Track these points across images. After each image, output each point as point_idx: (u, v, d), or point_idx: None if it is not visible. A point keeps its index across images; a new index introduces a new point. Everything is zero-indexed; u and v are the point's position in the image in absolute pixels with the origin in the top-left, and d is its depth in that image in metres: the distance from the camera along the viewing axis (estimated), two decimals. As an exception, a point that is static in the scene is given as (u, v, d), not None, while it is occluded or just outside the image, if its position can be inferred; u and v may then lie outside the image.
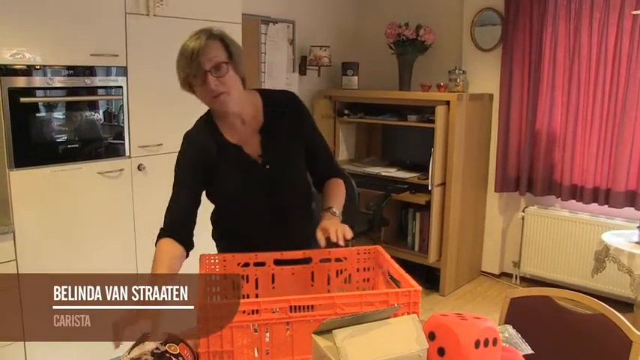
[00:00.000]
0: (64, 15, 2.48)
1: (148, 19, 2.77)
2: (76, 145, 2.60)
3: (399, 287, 1.64)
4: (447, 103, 3.87)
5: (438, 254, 4.08)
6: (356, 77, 4.59)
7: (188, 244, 1.71)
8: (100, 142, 2.70)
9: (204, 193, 1.82)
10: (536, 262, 4.16)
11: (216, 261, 1.75)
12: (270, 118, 1.79)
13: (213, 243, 1.90)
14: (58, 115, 2.53)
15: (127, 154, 2.81)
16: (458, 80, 4.16)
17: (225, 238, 1.92)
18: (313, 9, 4.57)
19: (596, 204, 3.85)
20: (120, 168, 2.76)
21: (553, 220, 4.04)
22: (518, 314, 1.98)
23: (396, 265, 1.69)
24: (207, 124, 1.79)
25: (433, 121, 3.93)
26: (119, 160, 2.77)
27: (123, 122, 2.75)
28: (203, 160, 1.74)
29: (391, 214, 4.37)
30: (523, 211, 4.18)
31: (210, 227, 1.90)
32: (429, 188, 3.92)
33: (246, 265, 1.76)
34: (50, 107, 2.50)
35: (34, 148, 2.47)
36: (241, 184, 1.77)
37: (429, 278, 4.25)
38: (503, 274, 4.46)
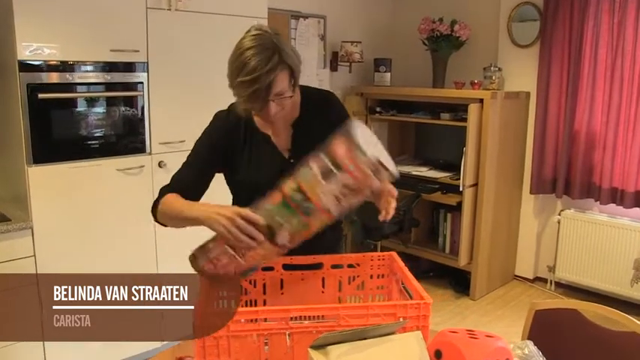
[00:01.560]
0: (84, 10, 2.47)
1: (169, 14, 2.74)
2: (95, 142, 2.59)
3: (411, 298, 1.56)
4: (481, 101, 3.74)
5: (469, 257, 3.95)
6: (388, 74, 4.48)
7: None
8: (119, 139, 2.68)
9: (223, 182, 1.79)
10: (572, 268, 3.98)
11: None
12: (307, 114, 1.75)
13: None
14: (77, 111, 2.52)
15: (148, 150, 2.78)
16: (493, 77, 4.01)
17: None
18: (345, 3, 4.48)
19: (637, 208, 3.65)
20: (140, 165, 2.74)
21: (591, 224, 3.86)
22: (543, 328, 1.87)
23: (409, 275, 1.61)
24: (239, 108, 1.74)
25: (466, 120, 3.80)
26: (139, 157, 2.75)
27: (143, 118, 2.73)
28: (226, 142, 1.71)
29: (422, 214, 4.26)
30: (559, 215, 4.01)
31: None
32: (460, 189, 3.80)
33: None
34: (69, 103, 2.49)
35: (53, 145, 2.46)
36: (264, 174, 1.70)
37: (460, 281, 4.13)
38: (538, 279, 4.30)
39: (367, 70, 4.60)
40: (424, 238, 4.38)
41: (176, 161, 2.84)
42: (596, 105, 3.75)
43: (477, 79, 4.02)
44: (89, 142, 2.57)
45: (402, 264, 1.66)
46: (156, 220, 1.68)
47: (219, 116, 1.75)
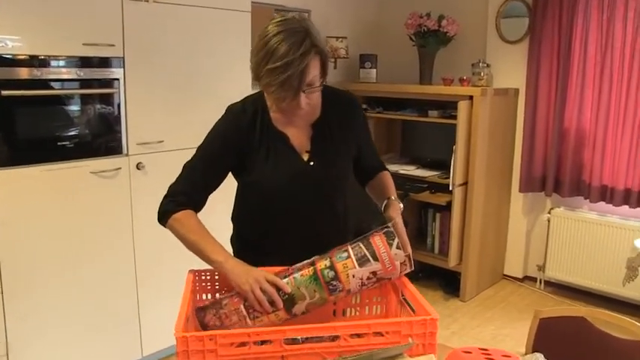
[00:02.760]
0: (54, 0, 2.29)
1: (147, 6, 2.57)
2: (68, 142, 2.41)
3: (413, 312, 1.45)
4: (470, 98, 3.64)
5: (458, 258, 3.85)
6: (374, 70, 4.37)
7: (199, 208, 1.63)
8: (94, 139, 2.50)
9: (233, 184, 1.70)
10: (562, 267, 3.92)
11: (208, 277, 1.56)
12: (328, 114, 1.65)
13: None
14: (47, 109, 2.34)
15: (125, 151, 2.61)
16: (482, 74, 3.92)
17: (246, 240, 1.75)
18: (330, -2, 4.35)
19: (627, 206, 3.59)
20: (116, 167, 2.57)
21: (581, 222, 3.80)
22: (549, 337, 1.77)
23: (411, 286, 1.50)
24: (255, 103, 1.62)
25: (454, 117, 3.70)
26: (116, 159, 2.58)
27: (120, 117, 2.55)
28: (241, 140, 1.58)
29: (410, 214, 4.16)
30: (549, 213, 3.94)
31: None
32: (450, 188, 3.70)
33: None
34: (38, 101, 2.31)
35: (21, 146, 2.28)
36: (280, 177, 1.59)
37: (449, 282, 4.04)
38: (527, 278, 4.23)
39: (352, 66, 4.48)
40: (412, 238, 4.22)
41: (155, 163, 2.74)
42: (586, 102, 3.68)
43: (464, 75, 3.93)
44: (61, 143, 2.39)
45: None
46: (161, 223, 1.59)
47: (232, 110, 1.62)
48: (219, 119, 1.62)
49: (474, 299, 3.97)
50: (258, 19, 3.24)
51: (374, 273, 1.44)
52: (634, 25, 3.39)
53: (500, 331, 3.48)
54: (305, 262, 1.47)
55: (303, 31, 1.42)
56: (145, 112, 2.66)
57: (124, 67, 2.53)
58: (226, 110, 1.63)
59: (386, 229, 1.49)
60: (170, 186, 1.61)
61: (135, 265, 2.72)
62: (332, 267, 1.41)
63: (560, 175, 3.86)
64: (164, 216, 1.56)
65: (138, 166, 2.64)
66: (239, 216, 1.76)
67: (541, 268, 4.07)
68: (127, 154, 2.62)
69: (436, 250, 4.13)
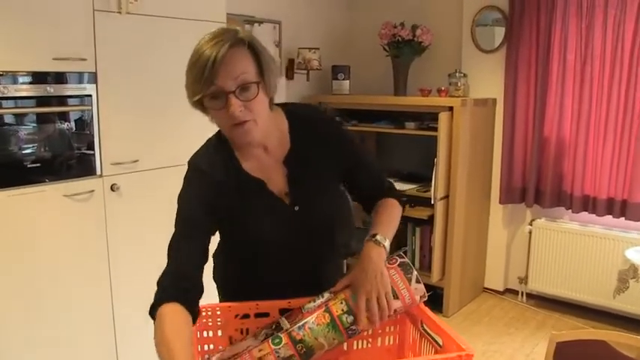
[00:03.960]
0: (20, 12, 2.10)
1: (120, 18, 2.39)
2: (38, 164, 2.21)
3: (439, 345, 1.33)
4: (450, 109, 3.57)
5: (441, 273, 3.77)
6: (347, 81, 4.27)
7: (195, 311, 1.30)
8: (65, 160, 2.31)
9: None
10: (545, 279, 3.87)
11: (209, 313, 1.41)
12: (298, 144, 1.43)
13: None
14: (13, 129, 2.14)
15: (98, 172, 2.42)
16: (458, 84, 3.86)
17: (236, 283, 1.56)
18: (301, 8, 4.24)
19: (610, 216, 3.57)
20: (90, 189, 2.37)
21: (563, 233, 3.76)
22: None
23: (431, 314, 1.38)
24: (220, 150, 1.40)
25: (433, 129, 3.63)
26: (89, 180, 2.38)
27: (93, 136, 2.36)
28: (218, 198, 1.36)
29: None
30: (530, 224, 3.90)
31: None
32: (432, 202, 3.61)
33: (246, 316, 1.43)
34: (4, 120, 2.11)
35: (-16, 169, 2.08)
36: (265, 227, 1.41)
37: (430, 297, 3.93)
38: (508, 291, 4.18)
39: (325, 78, 4.38)
40: (391, 253, 4.16)
41: (130, 184, 2.55)
42: (566, 110, 3.66)
43: (440, 85, 3.87)
44: (30, 165, 2.19)
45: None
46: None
47: (197, 164, 1.40)
48: (187, 182, 1.39)
49: (457, 314, 3.89)
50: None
51: (394, 311, 1.34)
52: (614, 33, 3.38)
53: (489, 347, 3.40)
54: (315, 303, 1.33)
55: (232, 30, 1.28)
56: (119, 130, 2.47)
57: (96, 83, 2.35)
58: (191, 167, 1.40)
59: (400, 260, 1.38)
60: (159, 279, 1.32)
61: (111, 297, 2.52)
62: (350, 311, 1.29)
63: (540, 185, 3.82)
64: (152, 311, 1.26)
65: (112, 188, 2.45)
66: (223, 275, 1.59)
67: (523, 280, 4.02)
68: (100, 175, 2.43)
69: (417, 265, 4.03)
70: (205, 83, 1.22)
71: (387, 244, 1.38)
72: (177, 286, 1.27)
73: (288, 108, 1.47)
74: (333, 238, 1.54)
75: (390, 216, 1.50)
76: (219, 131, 1.41)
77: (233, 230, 1.44)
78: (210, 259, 1.54)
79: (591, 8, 3.44)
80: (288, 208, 1.42)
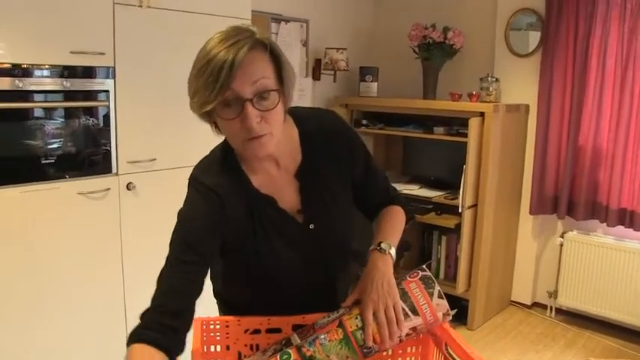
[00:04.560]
0: (38, 5, 2.04)
1: (140, 12, 2.33)
2: (52, 161, 2.15)
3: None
4: (482, 114, 3.43)
5: (467, 284, 3.63)
6: (375, 83, 4.16)
7: (178, 350, 1.13)
8: (81, 157, 2.24)
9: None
10: (576, 294, 3.70)
11: (217, 327, 1.32)
12: (310, 155, 1.31)
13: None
14: (29, 124, 2.08)
15: (114, 170, 2.35)
16: (490, 89, 3.72)
17: (241, 305, 1.40)
18: (329, 7, 4.15)
19: (648, 231, 3.40)
20: (105, 187, 2.31)
21: (596, 247, 3.58)
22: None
23: (456, 336, 1.27)
24: (226, 164, 1.26)
25: (463, 135, 3.50)
26: (104, 178, 2.32)
27: (109, 133, 2.30)
28: (226, 219, 1.22)
29: (412, 236, 3.93)
30: (562, 237, 3.73)
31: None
32: (460, 211, 3.48)
33: (257, 331, 1.33)
34: (19, 115, 2.05)
35: (-1, 164, 2.02)
36: (278, 250, 1.28)
37: (455, 309, 3.80)
38: (536, 305, 4.02)
39: (352, 79, 4.28)
40: (415, 262, 4.05)
41: (147, 183, 2.47)
42: (604, 119, 3.48)
43: (471, 90, 3.73)
44: (44, 161, 2.13)
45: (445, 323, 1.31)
46: None
47: (201, 181, 1.23)
48: (190, 199, 1.23)
49: (482, 328, 3.74)
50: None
51: (414, 329, 1.24)
52: (657, 38, 3.21)
53: (515, 364, 3.26)
54: (328, 318, 1.23)
55: (248, 30, 1.13)
56: (137, 128, 2.41)
57: (114, 78, 2.28)
58: (194, 183, 1.24)
59: (422, 274, 1.28)
60: (153, 296, 1.18)
61: (124, 293, 2.46)
62: (365, 327, 1.19)
63: (574, 196, 3.65)
64: (128, 342, 1.10)
65: (128, 187, 2.39)
66: (229, 292, 1.44)
67: (552, 294, 3.85)
68: (116, 174, 2.36)
69: (441, 276, 3.90)
70: (220, 89, 1.07)
71: (393, 251, 1.29)
72: (161, 324, 1.10)
73: (296, 115, 1.33)
74: (348, 254, 1.44)
75: (394, 223, 1.39)
76: (225, 142, 1.27)
77: (240, 255, 1.30)
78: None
79: (635, 11, 3.26)
80: (302, 226, 1.30)
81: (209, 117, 1.18)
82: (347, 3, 4.29)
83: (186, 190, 1.26)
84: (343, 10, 4.27)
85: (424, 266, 1.32)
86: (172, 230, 1.21)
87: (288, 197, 1.29)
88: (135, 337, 1.08)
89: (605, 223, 3.54)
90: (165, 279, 1.17)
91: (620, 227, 3.49)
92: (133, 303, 2.49)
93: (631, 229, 3.44)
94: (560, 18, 3.52)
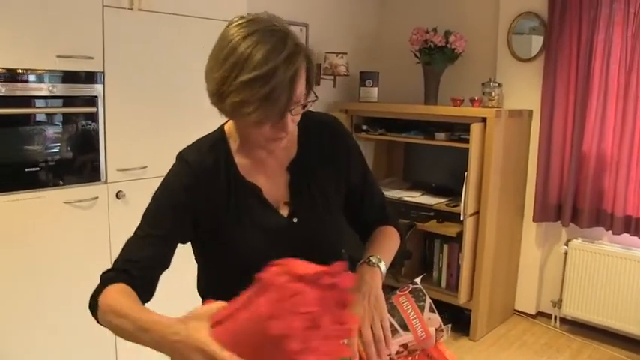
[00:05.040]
0: (24, 7, 1.98)
1: (131, 15, 2.26)
2: (38, 168, 2.09)
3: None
4: (484, 120, 3.36)
5: (469, 293, 3.54)
6: (375, 88, 4.09)
7: (146, 292, 1.18)
8: (68, 165, 2.18)
9: (191, 250, 1.30)
10: (581, 303, 3.61)
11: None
12: (306, 151, 1.29)
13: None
14: (13, 130, 2.02)
15: (103, 179, 2.28)
16: (492, 94, 3.65)
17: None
18: (329, 11, 4.08)
19: (654, 239, 3.31)
20: (94, 196, 2.24)
21: (601, 255, 3.50)
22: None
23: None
24: (216, 147, 1.25)
25: (464, 140, 3.43)
26: (93, 187, 2.25)
27: (98, 140, 2.23)
28: (198, 204, 1.20)
29: (413, 244, 3.85)
30: (566, 245, 3.65)
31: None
32: (462, 218, 3.40)
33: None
34: (4, 121, 1.98)
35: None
36: (256, 242, 1.22)
37: (457, 319, 3.72)
38: (540, 314, 3.93)
39: (352, 84, 4.21)
40: (416, 270, 3.96)
41: (137, 191, 2.37)
42: (608, 125, 3.41)
43: (473, 95, 3.66)
44: (30, 169, 2.07)
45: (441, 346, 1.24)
46: (97, 320, 1.15)
47: (186, 158, 1.23)
48: (169, 174, 1.24)
49: (485, 338, 3.65)
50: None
51: (405, 346, 1.17)
52: (660, 43, 3.14)
53: (518, 376, 3.17)
54: None
55: (281, 29, 1.09)
56: (127, 134, 2.34)
57: (103, 83, 2.22)
58: (178, 160, 1.25)
59: (412, 287, 1.24)
60: (102, 274, 1.20)
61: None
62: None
63: (578, 203, 3.57)
64: (91, 304, 1.15)
65: (118, 195, 2.32)
66: (208, 288, 1.38)
67: (556, 304, 3.77)
68: (105, 182, 2.29)
69: (443, 284, 3.81)
70: (280, 112, 1.07)
71: (383, 266, 1.25)
72: (129, 267, 1.16)
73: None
74: (336, 257, 1.36)
75: (387, 243, 1.36)
76: (220, 129, 1.28)
77: (216, 243, 1.24)
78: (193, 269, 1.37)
79: (638, 15, 3.19)
80: (285, 220, 1.25)
81: (232, 113, 1.12)
82: (347, 7, 4.23)
83: None
84: (344, 14, 4.20)
85: (416, 279, 1.26)
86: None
87: (275, 188, 1.26)
88: (96, 291, 1.14)
89: (610, 231, 3.46)
90: (130, 248, 1.20)
91: (626, 235, 3.41)
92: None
93: (636, 237, 3.36)
94: (563, 22, 3.45)
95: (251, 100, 1.04)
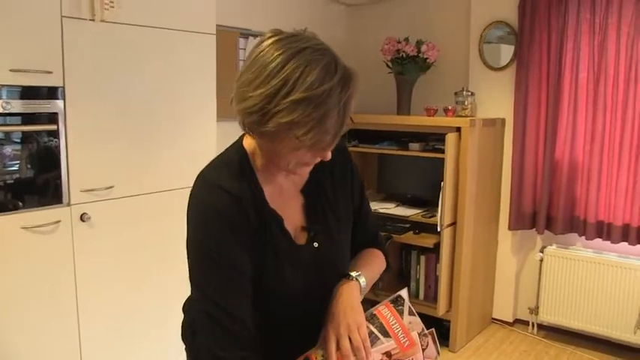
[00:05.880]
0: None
1: (93, 26, 2.14)
2: (-6, 192, 1.95)
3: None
4: (458, 129, 3.32)
5: (448, 304, 3.49)
6: (347, 99, 4.01)
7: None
8: (27, 186, 2.04)
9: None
10: (557, 309, 3.60)
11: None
12: (319, 172, 1.22)
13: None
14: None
15: (66, 200, 2.14)
16: (465, 103, 3.63)
17: None
18: (297, 21, 4.01)
19: (626, 243, 3.32)
20: (55, 220, 2.10)
21: (576, 261, 3.50)
22: None
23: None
24: (242, 172, 1.14)
25: (439, 150, 3.39)
26: (54, 210, 2.11)
27: (59, 160, 2.09)
28: (248, 229, 1.10)
29: (390, 257, 3.77)
30: (541, 252, 3.64)
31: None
32: (439, 229, 3.35)
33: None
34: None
35: None
36: (285, 275, 1.15)
37: (436, 330, 3.66)
38: (518, 322, 3.91)
39: (323, 95, 4.13)
40: (393, 282, 3.90)
41: (103, 213, 2.22)
42: (579, 132, 3.42)
43: (446, 104, 3.63)
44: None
45: None
46: None
47: (226, 189, 1.09)
48: (214, 210, 1.08)
49: (464, 348, 3.61)
50: (221, 44, 2.87)
51: (388, 354, 1.13)
52: (627, 51, 3.17)
53: (499, 387, 3.13)
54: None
55: (328, 50, 1.04)
56: (92, 153, 2.21)
57: (64, 99, 2.09)
58: (212, 188, 1.10)
59: (392, 297, 1.21)
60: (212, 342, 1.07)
61: (79, 336, 2.24)
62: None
63: (552, 210, 3.57)
64: None
65: (82, 218, 2.18)
66: None
67: (533, 310, 3.75)
68: (68, 204, 2.15)
69: (421, 296, 3.76)
70: (318, 118, 0.98)
71: (363, 280, 1.21)
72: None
73: None
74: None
75: (371, 261, 1.32)
76: (241, 148, 1.16)
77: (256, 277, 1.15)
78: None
79: (604, 25, 3.23)
80: (306, 247, 1.18)
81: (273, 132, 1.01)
82: (318, 17, 4.17)
83: (194, 195, 1.13)
84: (314, 24, 4.13)
85: (401, 292, 1.22)
86: (192, 248, 1.10)
87: (292, 213, 1.20)
88: None
89: (583, 237, 3.48)
90: (225, 316, 1.06)
91: (599, 240, 3.44)
92: (88, 341, 2.28)
93: (609, 242, 3.38)
94: (533, 31, 3.46)
95: (304, 122, 0.97)
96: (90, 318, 2.27)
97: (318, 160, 1.09)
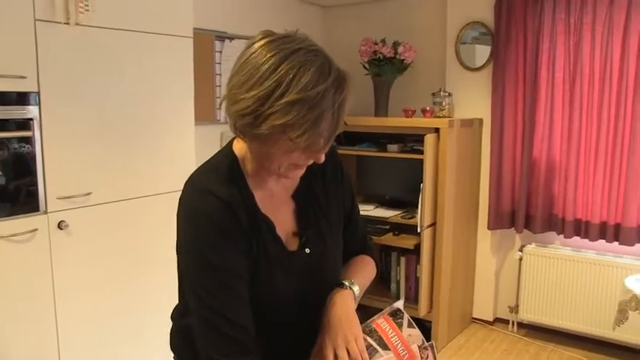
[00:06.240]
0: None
1: (68, 30, 2.09)
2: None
3: None
4: (437, 130, 3.33)
5: (429, 305, 3.50)
6: (324, 101, 4.00)
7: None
8: (1, 195, 1.98)
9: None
10: (537, 307, 3.64)
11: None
12: (310, 176, 1.20)
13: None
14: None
15: (43, 208, 2.09)
16: (443, 104, 3.65)
17: None
18: (274, 23, 3.98)
19: (603, 240, 3.37)
20: (32, 228, 2.05)
21: (554, 259, 3.54)
22: None
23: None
24: (232, 176, 1.11)
25: (417, 152, 3.40)
26: (31, 218, 2.05)
27: (35, 167, 2.04)
28: (240, 234, 1.08)
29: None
30: (520, 250, 3.67)
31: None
32: (419, 230, 3.35)
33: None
34: None
35: None
36: (277, 282, 1.13)
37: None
38: (498, 320, 3.95)
39: (300, 97, 4.11)
40: (373, 283, 3.88)
41: (81, 220, 2.18)
42: (555, 132, 3.46)
43: (423, 105, 3.64)
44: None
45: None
46: None
47: (216, 195, 1.07)
48: (206, 217, 1.05)
49: (446, 349, 3.62)
50: (197, 46, 2.84)
51: None
52: (602, 51, 3.22)
53: (482, 387, 3.14)
54: None
55: (321, 51, 1.03)
56: (69, 159, 2.16)
57: (39, 105, 2.04)
58: (199, 192, 1.08)
59: (391, 310, 1.21)
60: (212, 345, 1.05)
61: (58, 345, 2.18)
62: None
63: (530, 209, 3.60)
64: None
65: (60, 226, 2.13)
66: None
67: (513, 309, 3.79)
68: (45, 212, 2.10)
69: (401, 297, 3.76)
70: (313, 120, 0.97)
71: (356, 288, 1.20)
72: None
73: None
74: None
75: (362, 269, 1.31)
76: (230, 153, 1.14)
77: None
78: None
79: (579, 26, 3.27)
80: (297, 253, 1.16)
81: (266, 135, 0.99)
82: (294, 18, 4.15)
83: (183, 200, 1.11)
84: (290, 25, 4.09)
85: (395, 304, 1.21)
86: (184, 255, 1.09)
87: (283, 218, 1.17)
88: None
89: (562, 235, 3.52)
90: (224, 320, 1.04)
91: (577, 238, 3.49)
92: (67, 351, 2.22)
93: (587, 240, 3.42)
94: (509, 31, 3.49)
95: (298, 123, 0.95)
96: (69, 327, 2.22)
97: (311, 162, 1.07)
